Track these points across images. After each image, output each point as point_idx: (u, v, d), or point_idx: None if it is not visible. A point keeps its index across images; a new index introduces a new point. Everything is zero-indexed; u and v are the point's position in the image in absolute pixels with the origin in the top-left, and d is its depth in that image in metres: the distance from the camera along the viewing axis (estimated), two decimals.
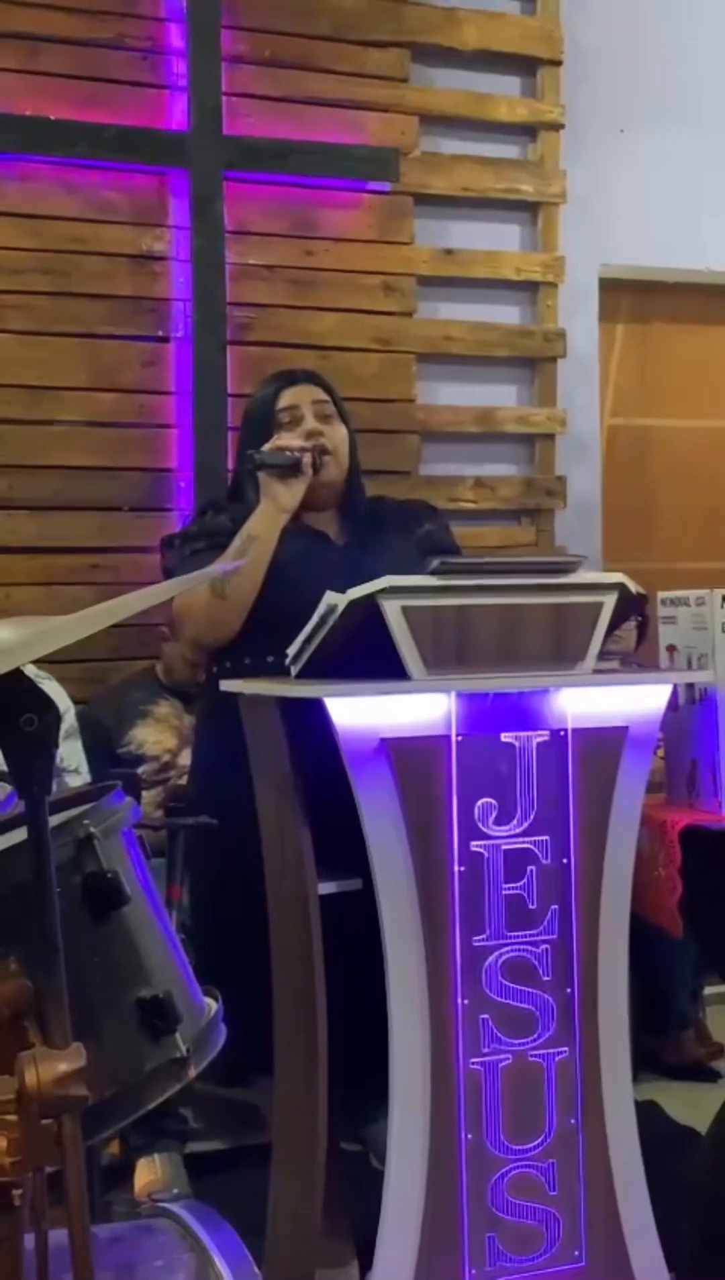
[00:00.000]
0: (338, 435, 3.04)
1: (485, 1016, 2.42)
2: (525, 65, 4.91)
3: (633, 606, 2.65)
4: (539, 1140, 2.46)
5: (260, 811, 2.66)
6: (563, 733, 2.47)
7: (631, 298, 5.24)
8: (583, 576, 2.53)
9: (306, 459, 2.94)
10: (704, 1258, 2.71)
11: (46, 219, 4.30)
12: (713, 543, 5.26)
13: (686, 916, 2.69)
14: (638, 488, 5.28)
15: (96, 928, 1.48)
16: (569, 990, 2.48)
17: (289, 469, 2.93)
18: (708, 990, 4.25)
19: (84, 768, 3.49)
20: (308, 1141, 2.56)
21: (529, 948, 2.45)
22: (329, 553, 2.98)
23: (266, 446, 2.97)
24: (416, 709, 2.39)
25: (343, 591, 2.33)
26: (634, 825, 2.53)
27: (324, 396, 3.07)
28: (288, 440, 2.97)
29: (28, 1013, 1.34)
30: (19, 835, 1.47)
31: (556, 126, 4.93)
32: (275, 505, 2.93)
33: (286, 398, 3.05)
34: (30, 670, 1.36)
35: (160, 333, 4.43)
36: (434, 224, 4.78)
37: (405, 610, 2.36)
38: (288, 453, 2.94)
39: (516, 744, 2.44)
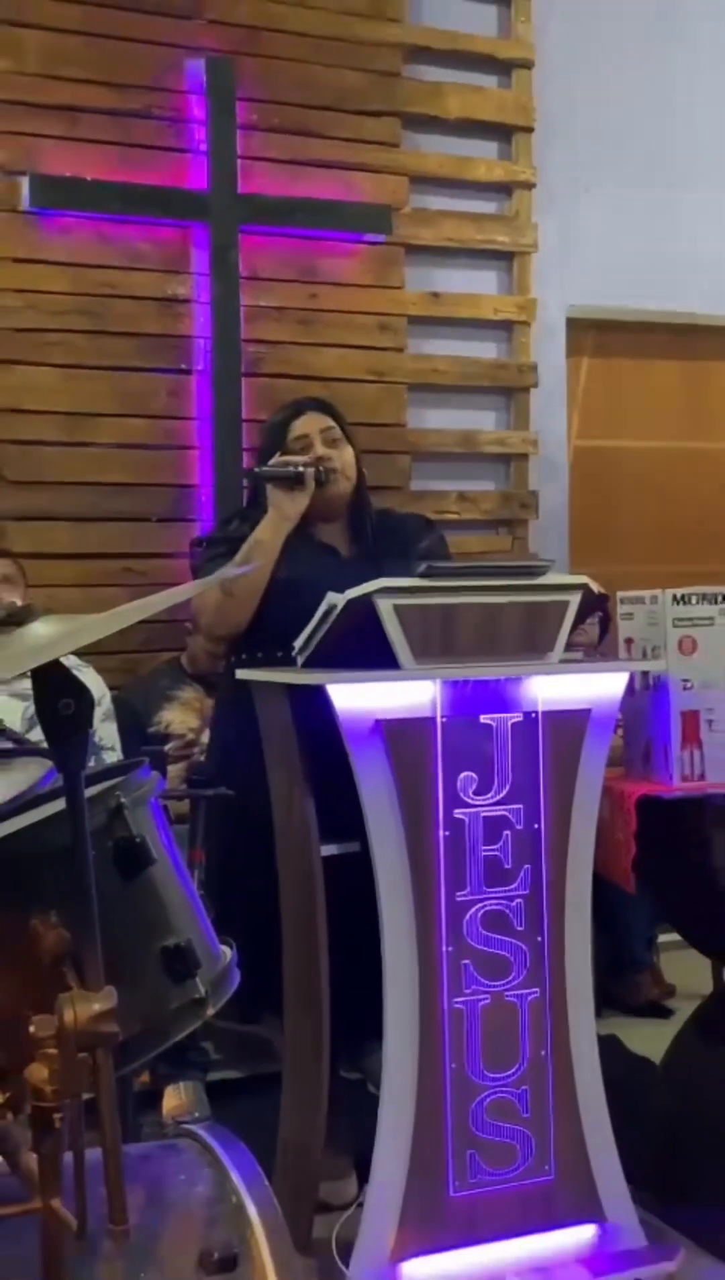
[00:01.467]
0: (345, 456, 3.02)
1: (467, 962, 2.42)
2: (502, 132, 4.90)
3: (596, 604, 2.65)
4: (514, 1069, 2.46)
5: (271, 783, 2.66)
6: (534, 715, 2.47)
7: (595, 335, 5.22)
8: (551, 578, 2.53)
9: (309, 472, 2.92)
10: (658, 1168, 2.71)
11: (83, 267, 4.28)
12: (665, 548, 5.26)
13: (640, 874, 2.69)
14: (600, 501, 5.27)
15: (126, 886, 1.47)
16: (539, 939, 2.47)
17: (292, 480, 2.91)
18: (661, 938, 4.24)
19: (118, 746, 3.48)
20: (313, 1070, 2.56)
21: (505, 901, 2.45)
22: (337, 563, 2.96)
23: (271, 461, 2.96)
24: (407, 694, 2.38)
25: None
26: (596, 795, 2.53)
27: (331, 423, 3.03)
28: (291, 456, 2.96)
29: (66, 959, 1.34)
30: (58, 805, 1.47)
31: (529, 185, 4.91)
32: (280, 514, 2.92)
33: (298, 427, 3.02)
34: (71, 660, 1.36)
35: (183, 366, 4.42)
36: (422, 271, 4.77)
37: (397, 608, 2.36)
38: (291, 467, 2.93)
39: (494, 724, 2.44)
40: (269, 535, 2.90)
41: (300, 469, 2.91)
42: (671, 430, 5.40)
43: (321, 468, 2.94)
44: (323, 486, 2.94)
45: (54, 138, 4.23)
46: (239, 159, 4.42)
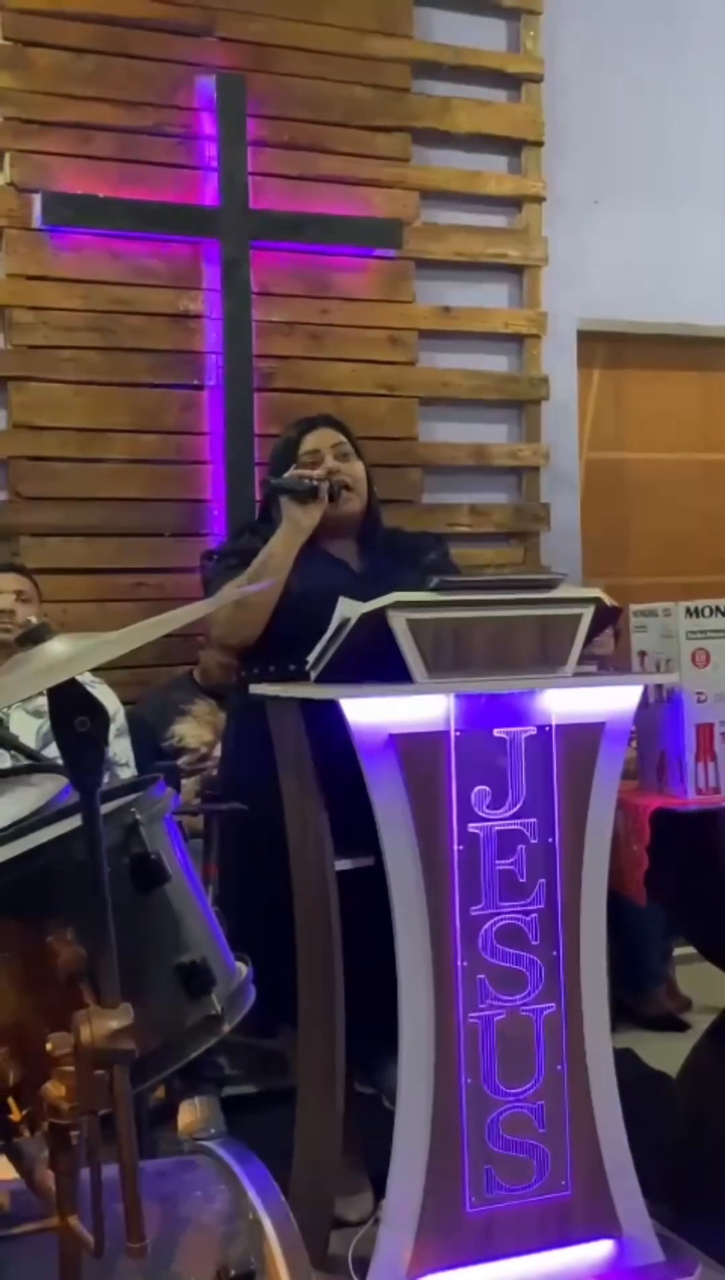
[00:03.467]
0: (356, 471, 3.02)
1: (482, 976, 2.42)
2: (511, 146, 4.91)
3: (609, 616, 2.65)
4: (529, 1084, 2.45)
5: (284, 798, 2.66)
6: (548, 728, 2.47)
7: (606, 347, 5.23)
8: (564, 591, 2.53)
9: (323, 486, 2.93)
10: (676, 1183, 2.70)
11: (96, 284, 4.30)
12: (678, 560, 5.25)
13: (653, 887, 2.68)
14: (612, 513, 5.27)
15: (142, 902, 1.47)
16: (555, 953, 2.47)
17: (306, 494, 2.92)
18: (677, 951, 4.23)
19: (132, 761, 3.49)
20: (328, 1085, 2.55)
21: (520, 916, 2.44)
22: (348, 579, 2.96)
23: (287, 474, 2.97)
24: (420, 708, 2.38)
25: None
26: (610, 809, 2.52)
27: (341, 438, 3.04)
28: (305, 470, 2.97)
29: (82, 976, 1.34)
30: (74, 822, 1.47)
31: (539, 199, 4.92)
32: (294, 527, 2.92)
33: (309, 442, 3.03)
34: (84, 677, 1.36)
35: (196, 381, 4.43)
36: (432, 285, 4.78)
37: (410, 622, 2.36)
38: (306, 480, 2.94)
39: (507, 738, 2.44)
40: (282, 547, 2.91)
41: (315, 482, 2.92)
42: (684, 442, 5.40)
43: (334, 482, 2.95)
44: (335, 501, 2.95)
45: (66, 155, 4.26)
46: (250, 175, 4.44)
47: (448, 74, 4.80)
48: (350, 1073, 2.63)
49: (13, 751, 2.31)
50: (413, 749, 2.37)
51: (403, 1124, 2.38)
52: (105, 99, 4.30)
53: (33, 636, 1.43)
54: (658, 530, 5.31)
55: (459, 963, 2.39)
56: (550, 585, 2.52)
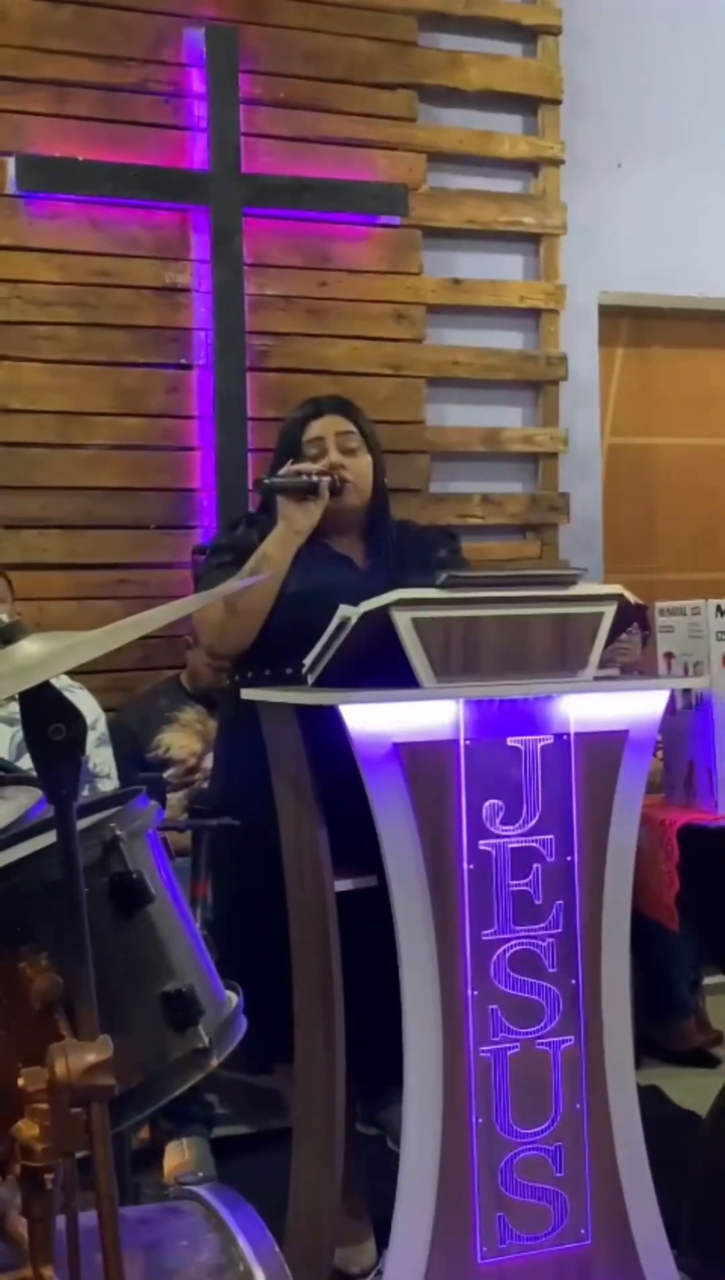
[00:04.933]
0: (360, 465, 2.99)
1: (494, 1007, 2.42)
2: (527, 104, 4.91)
3: (632, 616, 2.65)
4: (546, 1124, 2.45)
5: (280, 813, 2.66)
6: (566, 737, 2.47)
7: (630, 323, 5.23)
8: (584, 588, 2.53)
9: (323, 482, 2.91)
10: (705, 1230, 2.70)
11: (74, 254, 4.30)
12: (708, 554, 5.26)
13: (684, 911, 2.68)
14: (636, 503, 5.27)
15: (123, 925, 1.48)
16: (574, 981, 2.47)
17: (304, 491, 2.90)
18: (707, 980, 4.23)
19: (113, 773, 3.49)
20: (327, 1125, 2.55)
21: (535, 941, 2.45)
22: (352, 575, 2.96)
23: (282, 470, 2.96)
24: (427, 715, 2.38)
25: None
26: (634, 824, 2.52)
27: (349, 427, 3.00)
28: (304, 465, 2.96)
29: (58, 1006, 1.34)
30: (49, 838, 1.47)
31: (557, 161, 4.92)
32: (290, 527, 2.90)
33: (313, 430, 3.00)
34: (62, 681, 1.36)
35: (183, 361, 4.44)
36: (441, 255, 4.78)
37: (415, 621, 2.36)
38: (304, 476, 2.92)
39: (522, 748, 2.44)
40: (277, 550, 2.89)
41: (314, 479, 2.90)
42: (714, 426, 5.40)
43: (335, 477, 2.93)
44: (337, 495, 2.94)
45: (42, 115, 4.26)
46: (242, 136, 4.44)
47: (458, 25, 4.81)
48: (351, 1112, 2.63)
49: None
50: (419, 759, 2.37)
51: (408, 1167, 2.38)
52: (84, 53, 4.30)
53: (4, 636, 1.43)
54: (686, 522, 5.31)
55: (469, 992, 2.39)
56: (569, 581, 2.52)
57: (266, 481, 2.97)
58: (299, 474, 2.92)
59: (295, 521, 2.90)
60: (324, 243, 4.60)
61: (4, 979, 1.36)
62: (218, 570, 2.96)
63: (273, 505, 2.98)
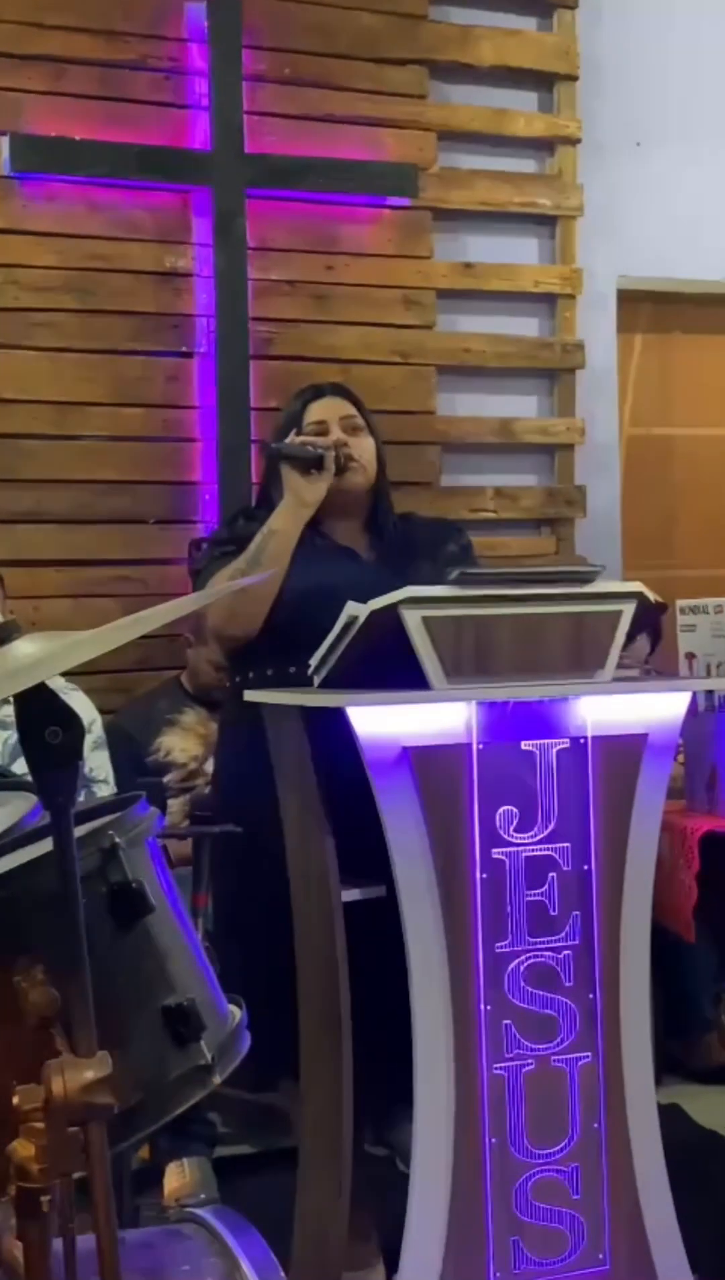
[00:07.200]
0: (364, 447, 3.03)
1: (508, 1022, 2.42)
2: (542, 81, 4.91)
3: (652, 615, 2.65)
4: (562, 1144, 2.45)
5: (284, 819, 2.66)
6: (583, 740, 2.47)
7: (649, 309, 5.23)
8: (601, 586, 2.53)
9: (329, 455, 2.94)
10: None
11: (71, 237, 4.30)
12: None
13: (704, 921, 2.68)
14: (657, 496, 5.27)
15: (121, 937, 1.48)
16: (591, 995, 2.47)
17: (311, 463, 2.92)
18: None
19: (111, 778, 3.50)
20: (334, 1145, 2.55)
21: (551, 954, 2.45)
22: (357, 569, 2.97)
23: (289, 440, 2.98)
24: (437, 718, 2.39)
25: None
26: (654, 832, 2.52)
27: (351, 410, 3.06)
28: (311, 437, 2.98)
29: (54, 1021, 1.34)
30: (45, 845, 1.48)
31: (573, 141, 4.92)
32: (297, 500, 2.92)
33: (314, 412, 3.04)
34: (58, 683, 1.37)
35: (184, 348, 4.44)
36: (453, 238, 4.78)
37: (426, 620, 2.36)
38: (311, 447, 2.94)
39: (537, 752, 2.44)
40: (285, 524, 2.91)
41: (321, 451, 2.93)
42: None
43: (341, 454, 2.96)
44: (341, 475, 2.96)
45: (37, 93, 4.26)
46: (245, 114, 4.44)
47: None
48: (359, 1131, 2.63)
49: None
50: (429, 764, 2.37)
51: (418, 1189, 2.38)
52: (80, 28, 4.30)
53: None
54: (708, 516, 5.30)
55: (482, 1007, 2.39)
56: (586, 579, 2.52)
57: (274, 445, 2.98)
58: (307, 444, 2.94)
59: (303, 494, 2.92)
60: (330, 225, 4.59)
61: None
62: (218, 561, 2.98)
63: (274, 494, 2.99)
